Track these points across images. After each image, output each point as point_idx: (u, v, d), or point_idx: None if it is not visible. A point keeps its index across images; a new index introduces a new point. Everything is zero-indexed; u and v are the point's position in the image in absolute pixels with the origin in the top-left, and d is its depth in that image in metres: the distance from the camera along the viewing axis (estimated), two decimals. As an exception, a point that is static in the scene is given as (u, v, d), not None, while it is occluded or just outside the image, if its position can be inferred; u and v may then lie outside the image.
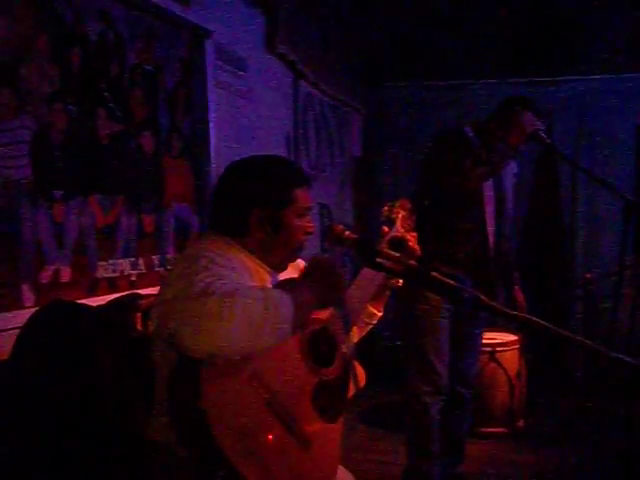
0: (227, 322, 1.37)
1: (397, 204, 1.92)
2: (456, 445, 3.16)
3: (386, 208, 1.92)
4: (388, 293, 1.94)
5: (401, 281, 1.91)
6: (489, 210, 2.96)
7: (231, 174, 1.78)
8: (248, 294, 1.45)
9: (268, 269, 1.74)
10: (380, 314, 1.94)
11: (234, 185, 1.75)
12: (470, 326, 3.05)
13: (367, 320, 1.93)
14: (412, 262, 1.76)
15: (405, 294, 2.92)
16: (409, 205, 1.93)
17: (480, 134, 2.96)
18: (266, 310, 1.42)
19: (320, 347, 1.66)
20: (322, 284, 1.63)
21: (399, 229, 1.87)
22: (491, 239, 2.98)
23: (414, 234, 1.88)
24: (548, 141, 2.87)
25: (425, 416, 2.94)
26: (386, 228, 1.87)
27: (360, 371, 1.86)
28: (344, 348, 1.75)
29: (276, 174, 1.75)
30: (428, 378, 2.92)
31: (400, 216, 1.89)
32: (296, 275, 1.83)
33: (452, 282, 1.50)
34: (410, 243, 1.84)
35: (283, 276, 1.79)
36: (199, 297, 1.40)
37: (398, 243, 1.83)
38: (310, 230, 1.78)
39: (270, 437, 1.48)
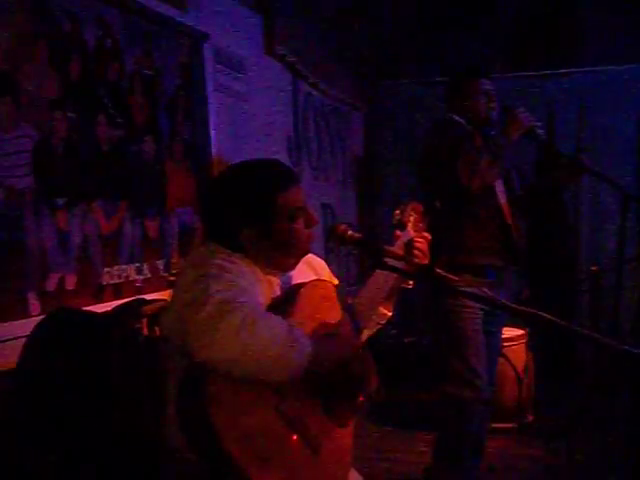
0: (243, 342, 1.37)
1: (408, 207, 1.92)
2: (478, 445, 3.14)
3: (397, 212, 1.93)
4: (398, 294, 1.94)
5: (412, 283, 1.91)
6: (498, 187, 2.94)
7: (213, 193, 1.74)
8: (272, 324, 1.44)
9: (277, 272, 1.72)
10: (390, 314, 1.93)
11: (217, 207, 1.70)
12: (491, 324, 3.00)
13: (376, 320, 1.93)
14: (416, 260, 1.77)
15: (439, 298, 2.88)
16: (420, 208, 1.94)
17: (465, 119, 2.98)
18: (284, 348, 1.41)
19: None
20: (350, 366, 1.62)
21: (411, 232, 1.88)
22: (508, 217, 2.93)
23: (427, 236, 1.89)
24: (543, 137, 2.88)
25: (467, 424, 2.88)
26: (398, 232, 1.87)
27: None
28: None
29: (254, 187, 1.66)
30: (472, 385, 2.84)
31: (412, 219, 1.90)
32: (310, 272, 1.82)
33: (456, 278, 1.51)
34: (419, 245, 1.85)
35: (297, 276, 1.77)
36: (220, 308, 1.39)
37: (410, 246, 1.84)
38: (313, 222, 1.73)
39: (280, 441, 1.47)
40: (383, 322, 1.93)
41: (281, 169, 1.77)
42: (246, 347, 1.38)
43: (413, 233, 1.87)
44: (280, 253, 1.69)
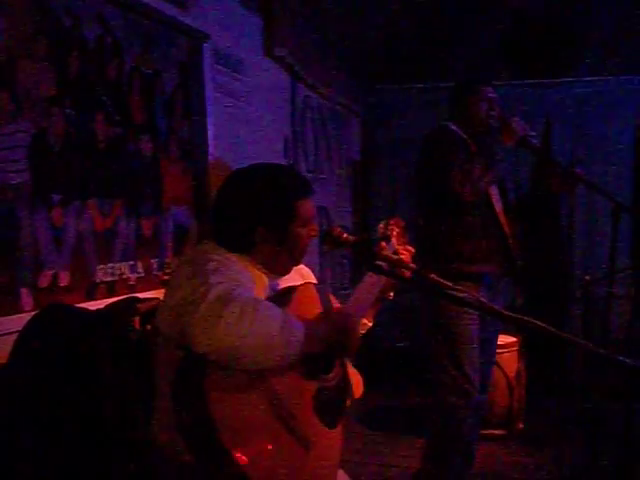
0: (244, 329, 1.40)
1: (391, 222, 2.00)
2: (468, 451, 3.14)
3: (381, 225, 2.01)
4: (381, 305, 1.98)
5: (392, 295, 1.96)
6: (494, 195, 2.95)
7: (232, 189, 1.75)
8: (269, 310, 1.48)
9: (270, 275, 1.75)
10: (371, 324, 1.99)
11: (236, 203, 1.72)
12: (487, 331, 3.01)
13: None
14: (411, 264, 1.78)
15: (435, 304, 2.89)
16: (402, 223, 2.02)
17: (462, 126, 3.00)
18: (281, 332, 1.45)
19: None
20: (339, 337, 1.64)
21: (395, 245, 1.95)
22: (505, 225, 2.95)
23: (410, 249, 1.97)
24: (537, 146, 2.90)
25: (457, 431, 2.88)
26: (384, 243, 1.93)
27: (357, 380, 1.87)
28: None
29: (279, 190, 1.72)
30: (463, 391, 2.85)
31: (395, 233, 1.98)
32: (298, 278, 1.85)
33: (449, 284, 1.52)
34: (403, 257, 1.91)
35: (285, 282, 1.80)
36: (219, 299, 1.42)
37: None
38: (314, 233, 1.79)
39: (273, 437, 1.48)
40: (363, 332, 1.95)
41: (303, 178, 1.86)
42: (248, 334, 1.41)
43: (397, 246, 1.95)
44: (285, 256, 1.74)
